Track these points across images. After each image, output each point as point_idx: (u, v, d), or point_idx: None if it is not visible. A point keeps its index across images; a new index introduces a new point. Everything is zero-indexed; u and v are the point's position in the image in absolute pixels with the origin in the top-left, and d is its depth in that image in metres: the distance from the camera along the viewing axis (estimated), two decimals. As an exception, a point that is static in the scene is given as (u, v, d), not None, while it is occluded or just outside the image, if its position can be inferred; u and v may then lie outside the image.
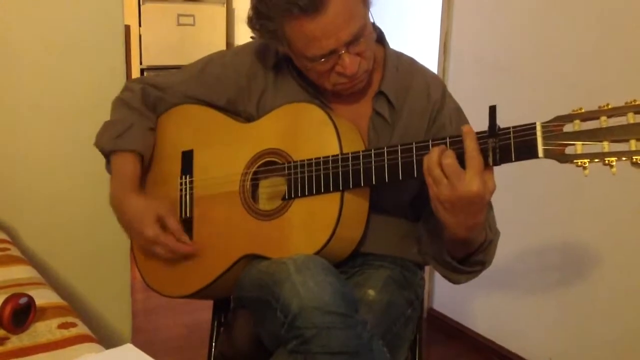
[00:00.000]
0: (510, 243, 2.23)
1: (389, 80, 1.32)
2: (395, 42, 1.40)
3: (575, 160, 1.00)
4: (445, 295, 2.65)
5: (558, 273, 2.16)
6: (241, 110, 1.39)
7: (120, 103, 1.45)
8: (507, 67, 2.25)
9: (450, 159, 1.07)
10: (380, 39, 1.36)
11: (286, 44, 1.23)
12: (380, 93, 1.31)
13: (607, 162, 0.98)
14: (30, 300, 1.12)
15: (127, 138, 1.38)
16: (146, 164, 1.44)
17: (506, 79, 2.25)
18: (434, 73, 1.42)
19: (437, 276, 2.64)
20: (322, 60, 1.20)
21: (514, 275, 2.31)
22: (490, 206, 1.31)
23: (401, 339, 1.29)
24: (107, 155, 1.40)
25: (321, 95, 1.33)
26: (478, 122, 1.13)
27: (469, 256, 1.23)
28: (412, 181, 1.19)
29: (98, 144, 1.41)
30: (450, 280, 1.30)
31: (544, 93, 2.11)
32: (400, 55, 1.38)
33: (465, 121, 1.35)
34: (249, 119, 1.37)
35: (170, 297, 1.40)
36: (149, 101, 1.45)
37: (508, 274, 2.31)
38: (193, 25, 4.00)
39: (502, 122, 1.08)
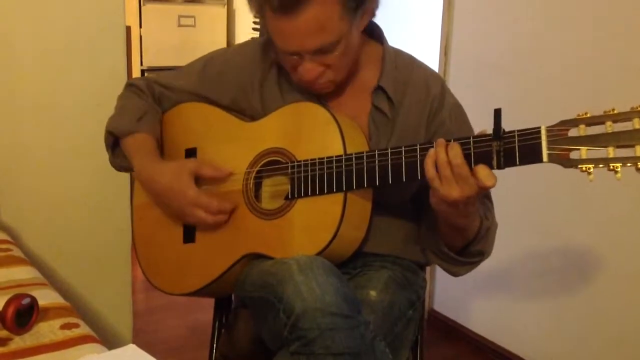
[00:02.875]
0: (511, 245, 2.24)
1: (388, 76, 1.32)
2: (396, 43, 1.40)
3: (579, 166, 1.00)
4: (446, 296, 2.65)
5: (558, 275, 2.17)
6: (245, 107, 1.39)
7: (129, 93, 1.46)
8: (507, 69, 2.25)
9: (459, 158, 1.08)
10: (379, 36, 1.36)
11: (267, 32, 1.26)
12: (379, 88, 1.31)
13: (612, 167, 0.97)
14: (33, 300, 1.12)
15: (146, 122, 1.40)
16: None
17: (507, 81, 2.25)
18: (432, 69, 1.41)
19: (438, 277, 2.65)
20: (288, 55, 1.23)
21: (514, 277, 2.32)
22: (490, 200, 1.32)
23: (403, 339, 1.29)
24: (120, 138, 1.40)
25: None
26: (478, 124, 1.13)
27: (467, 246, 1.24)
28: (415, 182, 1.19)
29: (115, 126, 1.41)
30: (450, 272, 1.31)
31: (544, 95, 2.12)
32: (398, 52, 1.38)
33: (464, 117, 1.36)
34: (253, 114, 1.37)
35: (172, 295, 1.39)
36: (154, 95, 1.46)
37: (508, 276, 2.31)
38: (194, 26, 4.00)
39: (503, 124, 1.07)
